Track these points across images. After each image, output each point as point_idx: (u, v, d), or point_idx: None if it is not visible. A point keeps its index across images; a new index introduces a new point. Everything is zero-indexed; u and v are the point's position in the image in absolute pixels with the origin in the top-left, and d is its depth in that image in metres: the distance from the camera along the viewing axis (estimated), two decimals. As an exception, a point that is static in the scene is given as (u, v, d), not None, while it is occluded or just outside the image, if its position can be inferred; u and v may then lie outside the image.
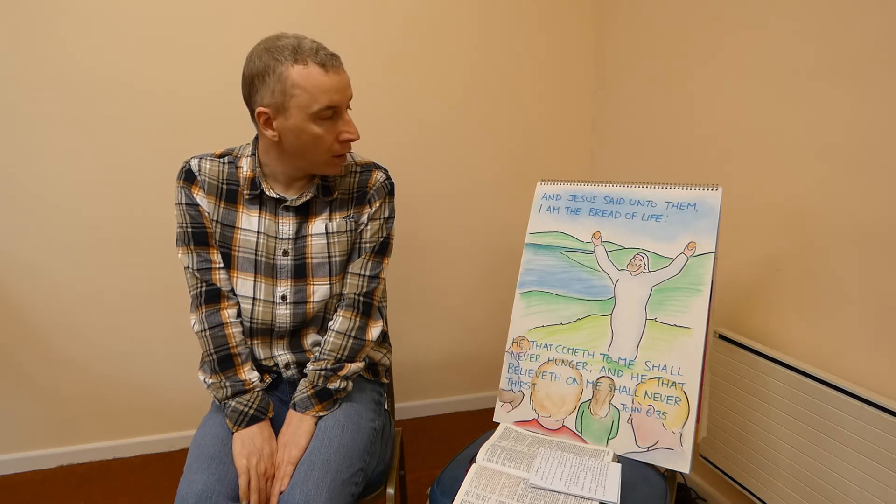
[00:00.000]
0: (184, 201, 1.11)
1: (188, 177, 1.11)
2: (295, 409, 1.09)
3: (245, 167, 1.12)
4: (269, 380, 1.16)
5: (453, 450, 1.93)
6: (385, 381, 1.30)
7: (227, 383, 1.08)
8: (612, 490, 0.95)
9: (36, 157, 1.63)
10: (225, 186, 1.11)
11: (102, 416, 1.84)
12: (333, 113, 1.03)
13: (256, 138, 1.12)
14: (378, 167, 1.19)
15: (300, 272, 1.13)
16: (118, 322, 1.78)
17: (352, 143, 1.09)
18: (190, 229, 1.10)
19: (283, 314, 1.13)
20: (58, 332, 1.75)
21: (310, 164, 1.08)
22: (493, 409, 1.24)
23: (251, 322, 1.13)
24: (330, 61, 1.00)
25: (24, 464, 1.79)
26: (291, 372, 1.17)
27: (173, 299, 1.81)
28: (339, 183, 1.16)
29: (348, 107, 1.07)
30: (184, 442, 1.93)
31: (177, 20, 1.64)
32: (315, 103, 0.99)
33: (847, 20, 1.15)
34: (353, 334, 1.14)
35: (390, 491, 1.16)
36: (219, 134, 1.74)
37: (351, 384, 1.15)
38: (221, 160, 1.13)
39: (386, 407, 1.27)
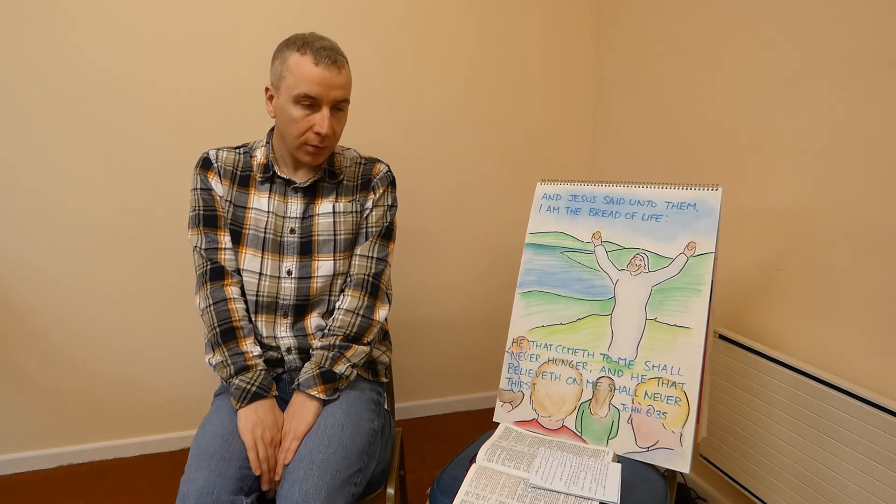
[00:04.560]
0: (199, 186, 1.18)
1: (205, 164, 1.19)
2: (299, 389, 1.11)
3: (259, 155, 1.20)
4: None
5: (453, 450, 1.93)
6: (384, 380, 1.30)
7: (230, 359, 1.10)
8: (612, 490, 0.95)
9: (36, 157, 1.63)
10: (239, 173, 1.19)
11: (102, 416, 1.84)
12: (312, 103, 1.09)
13: (271, 130, 1.20)
14: (380, 161, 1.27)
15: (306, 249, 1.18)
16: (118, 322, 1.78)
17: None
18: (202, 212, 1.17)
19: (288, 288, 1.18)
20: (58, 332, 1.75)
21: (288, 146, 1.14)
22: (493, 409, 1.24)
23: (257, 296, 1.18)
24: (325, 59, 1.07)
25: (24, 464, 1.79)
26: (293, 356, 1.18)
27: (173, 299, 1.81)
28: (345, 171, 1.23)
29: (339, 108, 1.13)
30: (184, 442, 1.93)
31: (179, 19, 1.64)
32: (296, 88, 1.07)
33: (846, 22, 1.15)
34: (361, 313, 1.18)
35: (390, 491, 1.16)
36: (221, 133, 1.74)
37: (355, 373, 1.16)
38: (238, 150, 1.21)
39: (386, 407, 1.27)
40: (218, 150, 1.20)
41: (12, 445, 1.78)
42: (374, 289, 1.21)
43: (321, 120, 1.09)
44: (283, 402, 1.16)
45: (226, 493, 0.96)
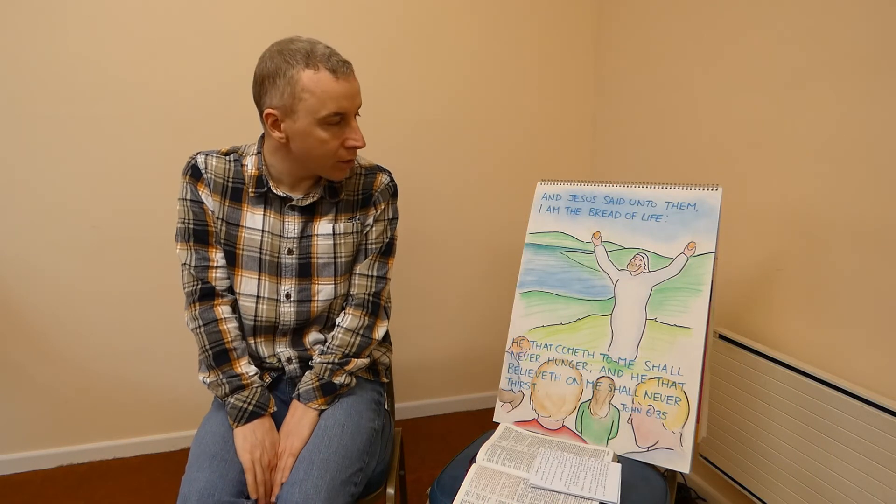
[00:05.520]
0: (188, 197, 1.11)
1: (194, 173, 1.11)
2: (299, 400, 1.10)
3: (250, 165, 1.12)
4: (268, 379, 1.16)
5: (453, 450, 1.93)
6: (385, 380, 1.30)
7: (225, 379, 1.08)
8: (612, 490, 0.95)
9: (36, 157, 1.63)
10: (230, 185, 1.12)
11: (102, 416, 1.84)
12: (341, 119, 1.03)
13: (262, 137, 1.13)
14: (382, 170, 1.20)
15: (305, 271, 1.14)
16: (118, 322, 1.78)
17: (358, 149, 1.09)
18: (192, 226, 1.11)
19: (287, 312, 1.14)
20: (58, 332, 1.74)
21: (315, 168, 1.08)
22: (493, 409, 1.24)
23: (255, 320, 1.14)
24: (341, 68, 1.00)
25: (24, 464, 1.79)
26: (293, 366, 1.17)
27: (173, 299, 1.81)
28: (344, 185, 1.16)
29: (357, 114, 1.07)
30: (184, 442, 1.93)
31: (178, 19, 1.64)
32: (323, 108, 1.00)
33: (846, 22, 1.15)
34: (361, 332, 1.17)
35: (390, 491, 1.16)
36: (220, 133, 1.74)
37: (354, 381, 1.16)
38: (227, 157, 1.12)
39: (386, 407, 1.27)
40: (206, 156, 1.11)
41: (12, 445, 1.78)
42: (375, 307, 1.19)
43: (353, 132, 1.05)
44: (282, 404, 1.16)
45: (227, 495, 0.96)
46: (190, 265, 1.11)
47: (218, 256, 1.12)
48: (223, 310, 1.12)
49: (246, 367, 1.11)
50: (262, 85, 1.02)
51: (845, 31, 1.16)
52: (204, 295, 1.11)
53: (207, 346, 1.09)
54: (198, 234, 1.11)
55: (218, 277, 1.12)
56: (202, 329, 1.10)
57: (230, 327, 1.12)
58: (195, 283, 1.11)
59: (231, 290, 1.14)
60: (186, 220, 1.11)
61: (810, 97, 1.24)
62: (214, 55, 1.69)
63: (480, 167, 2.00)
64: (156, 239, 1.76)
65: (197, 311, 1.11)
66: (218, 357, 1.09)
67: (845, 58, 1.16)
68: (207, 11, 1.66)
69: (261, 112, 1.04)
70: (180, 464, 1.84)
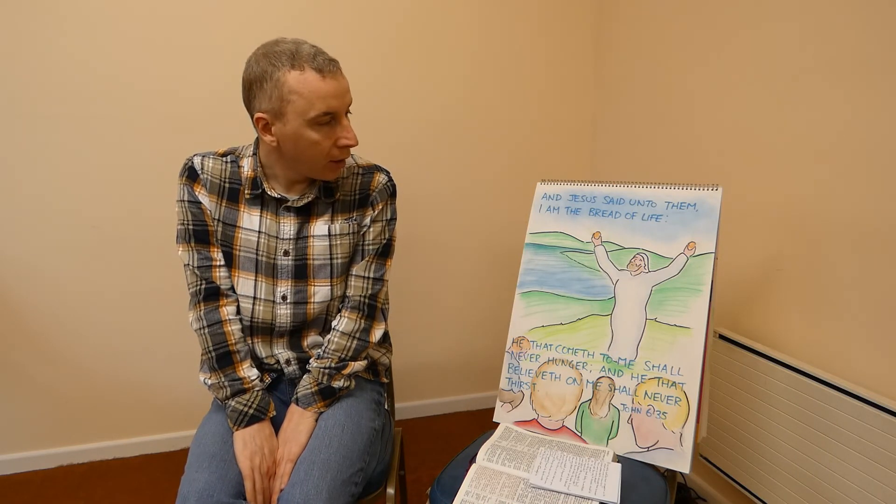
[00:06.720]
0: (186, 198, 1.10)
1: (191, 174, 1.10)
2: (297, 405, 1.09)
3: (246, 167, 1.11)
4: (268, 380, 1.16)
5: (453, 450, 1.93)
6: (385, 380, 1.30)
7: (227, 382, 1.08)
8: (612, 490, 0.95)
9: (36, 157, 1.63)
10: (227, 185, 1.11)
11: (102, 416, 1.84)
12: (331, 119, 1.02)
13: (258, 139, 1.12)
14: (380, 169, 1.19)
15: (301, 273, 1.13)
16: (118, 322, 1.78)
17: (351, 148, 1.09)
18: (191, 227, 1.10)
19: (284, 314, 1.14)
20: (58, 332, 1.75)
21: (308, 169, 1.08)
22: (493, 409, 1.24)
23: (252, 321, 1.14)
24: (327, 66, 0.99)
25: (24, 464, 1.79)
26: (293, 368, 1.17)
27: (173, 299, 1.81)
28: (341, 185, 1.15)
29: (348, 112, 1.06)
30: (184, 442, 1.93)
31: (176, 20, 1.64)
32: (312, 109, 0.99)
33: (847, 21, 1.15)
34: (357, 336, 1.15)
35: (390, 491, 1.16)
36: (219, 133, 1.74)
37: (353, 383, 1.16)
38: (224, 159, 1.12)
39: (386, 407, 1.27)
40: (203, 157, 1.11)
41: (12, 445, 1.78)
42: (371, 310, 1.17)
43: (345, 131, 1.04)
44: (281, 404, 1.16)
45: (226, 496, 0.96)
46: (193, 266, 1.11)
47: (220, 256, 1.12)
48: (228, 311, 1.12)
49: (248, 371, 1.10)
50: (249, 89, 1.01)
51: (847, 31, 1.16)
52: (209, 294, 1.11)
53: (211, 348, 1.09)
54: (198, 234, 1.11)
55: (221, 277, 1.12)
56: (206, 330, 1.10)
57: (234, 329, 1.11)
58: (199, 282, 1.11)
59: (234, 289, 1.14)
60: (186, 222, 1.11)
61: (811, 97, 1.24)
62: (215, 56, 1.69)
63: (480, 167, 2.00)
64: (156, 239, 1.76)
65: (202, 312, 1.10)
66: (221, 359, 1.09)
67: (847, 57, 1.16)
68: (207, 12, 1.66)
69: (252, 116, 1.04)
70: (180, 464, 1.84)
